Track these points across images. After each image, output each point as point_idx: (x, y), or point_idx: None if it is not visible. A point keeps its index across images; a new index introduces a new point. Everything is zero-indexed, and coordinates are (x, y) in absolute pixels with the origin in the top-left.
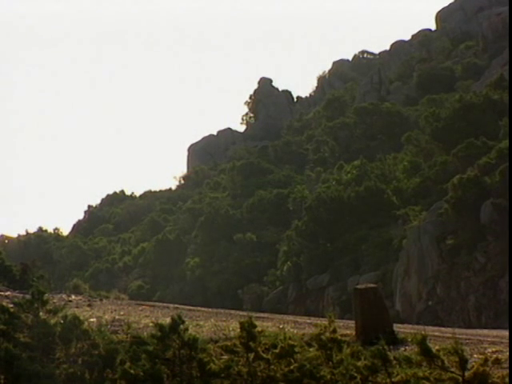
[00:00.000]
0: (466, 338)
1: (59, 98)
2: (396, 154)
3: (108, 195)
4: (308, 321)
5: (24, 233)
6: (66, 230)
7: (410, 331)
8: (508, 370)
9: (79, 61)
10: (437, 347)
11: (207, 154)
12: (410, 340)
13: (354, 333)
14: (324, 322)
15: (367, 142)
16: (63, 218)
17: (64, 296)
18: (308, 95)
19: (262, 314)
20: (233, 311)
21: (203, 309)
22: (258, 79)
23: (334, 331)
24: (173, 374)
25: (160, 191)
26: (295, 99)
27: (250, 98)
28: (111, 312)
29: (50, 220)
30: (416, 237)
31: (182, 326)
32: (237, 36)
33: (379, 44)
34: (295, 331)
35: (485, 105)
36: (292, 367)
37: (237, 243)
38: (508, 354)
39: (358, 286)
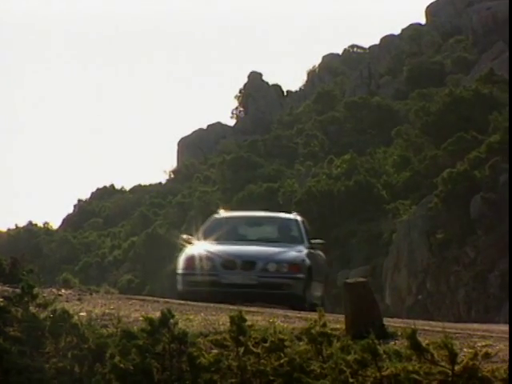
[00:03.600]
0: (455, 332)
1: (48, 91)
2: (386, 148)
3: (98, 189)
4: (298, 315)
5: (14, 227)
6: (55, 224)
7: (399, 325)
8: (498, 364)
9: (69, 54)
10: (426, 341)
11: (197, 147)
12: (399, 334)
13: (343, 327)
14: (314, 316)
15: (357, 136)
16: (53, 212)
17: (54, 290)
18: (298, 89)
19: (252, 309)
20: (223, 305)
21: (193, 303)
22: (247, 73)
23: (324, 325)
24: (163, 368)
25: (150, 185)
26: (285, 93)
27: (240, 91)
28: (101, 306)
29: (40, 214)
30: (406, 231)
31: (171, 320)
32: (226, 30)
33: (369, 38)
34: (285, 325)
35: (474, 99)
36: (282, 361)
37: None
38: (497, 348)
39: (348, 280)
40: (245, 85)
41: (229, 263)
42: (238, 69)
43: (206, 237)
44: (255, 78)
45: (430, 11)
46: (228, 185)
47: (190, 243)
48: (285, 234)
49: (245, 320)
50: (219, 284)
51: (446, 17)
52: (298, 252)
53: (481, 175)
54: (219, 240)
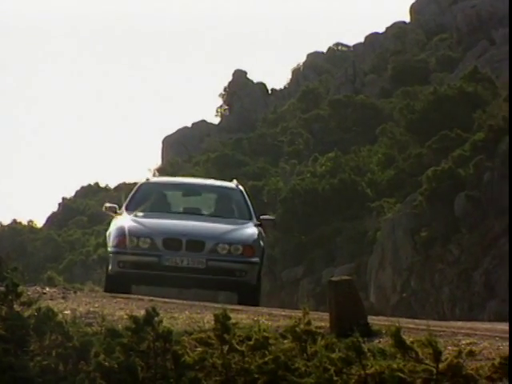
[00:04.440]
0: (440, 330)
1: (31, 89)
2: (370, 146)
3: (82, 187)
4: (283, 313)
5: None
6: (40, 222)
7: (384, 323)
8: (483, 362)
9: (52, 52)
10: (411, 339)
11: (181, 145)
12: (384, 332)
13: (328, 325)
14: (299, 314)
15: (342, 135)
16: (37, 210)
17: (38, 288)
18: (283, 87)
19: (236, 307)
20: (207, 303)
21: (178, 301)
22: (232, 71)
23: (309, 323)
24: (147, 366)
25: (135, 183)
26: (270, 91)
27: (225, 90)
28: (85, 304)
29: (24, 212)
30: (390, 229)
31: (156, 319)
32: (211, 28)
33: (354, 36)
34: (270, 323)
35: (459, 97)
36: (266, 359)
37: None
38: (482, 345)
39: (333, 278)
40: (229, 83)
41: (172, 242)
42: (222, 67)
43: (135, 207)
44: (240, 76)
45: (414, 9)
46: None
47: (116, 214)
48: (229, 208)
49: (229, 318)
50: (159, 266)
51: (431, 15)
52: (250, 230)
53: (465, 173)
54: (152, 212)
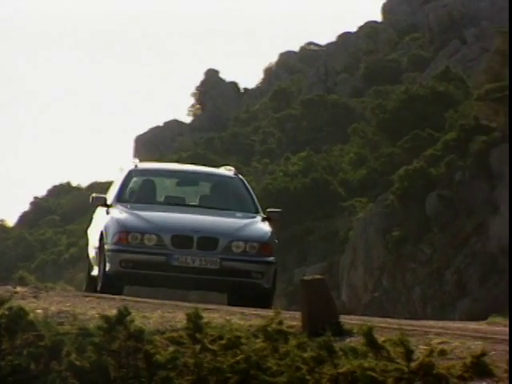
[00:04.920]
0: (411, 329)
1: (4, 87)
2: (342, 145)
3: (54, 186)
4: (255, 312)
5: None
6: (11, 222)
7: (356, 322)
8: (454, 361)
9: (20, 50)
10: (383, 338)
11: (154, 145)
12: (356, 331)
13: (300, 324)
14: (271, 313)
15: (314, 134)
16: (9, 210)
17: (10, 287)
18: (255, 87)
19: (209, 306)
20: (180, 302)
21: (150, 300)
22: (204, 70)
23: (281, 323)
24: (119, 365)
25: (107, 182)
26: (242, 90)
27: (197, 89)
28: (57, 304)
29: None
30: (362, 228)
31: (128, 318)
32: (183, 27)
33: (326, 36)
34: (242, 323)
35: (430, 97)
36: (238, 358)
37: None
38: (453, 345)
39: (305, 278)
40: (201, 82)
41: (182, 239)
42: (194, 66)
43: (129, 198)
44: (212, 75)
45: (385, 9)
46: None
47: (107, 206)
48: (232, 199)
49: (201, 317)
50: (168, 266)
51: (402, 14)
52: (264, 226)
53: (437, 173)
54: (150, 204)
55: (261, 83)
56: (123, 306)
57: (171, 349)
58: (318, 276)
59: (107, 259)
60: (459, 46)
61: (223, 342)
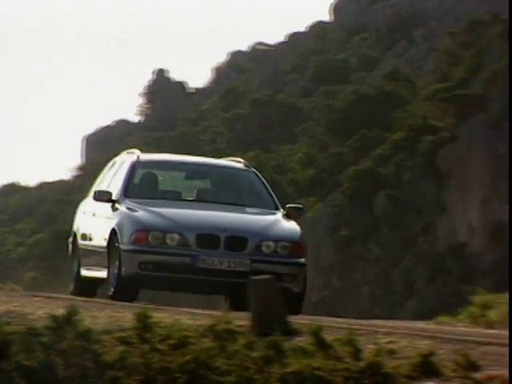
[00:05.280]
0: (360, 329)
1: None
2: (291, 145)
3: (3, 186)
4: (204, 312)
5: None
6: None
7: (305, 322)
8: (402, 361)
9: None
10: (331, 338)
11: (102, 144)
12: (304, 331)
13: (249, 324)
14: (220, 313)
15: (263, 134)
16: None
17: None
18: (204, 86)
19: (158, 306)
20: (128, 302)
21: (98, 300)
22: (153, 70)
23: (229, 322)
24: (67, 365)
25: (55, 182)
26: (191, 90)
27: (146, 88)
28: (5, 303)
29: None
30: (311, 228)
31: (76, 318)
32: (132, 26)
33: (275, 35)
34: (191, 322)
35: (379, 96)
36: (187, 358)
37: None
38: (402, 344)
39: (254, 278)
40: (150, 81)
41: (208, 239)
42: (143, 66)
43: (137, 193)
44: (161, 74)
45: (334, 9)
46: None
47: (112, 202)
48: (249, 194)
49: (150, 317)
50: (193, 269)
51: (351, 14)
52: (291, 223)
53: (385, 172)
54: (163, 199)
55: (210, 83)
56: (71, 306)
57: (120, 348)
58: (267, 276)
59: (122, 261)
60: (407, 46)
61: (172, 341)
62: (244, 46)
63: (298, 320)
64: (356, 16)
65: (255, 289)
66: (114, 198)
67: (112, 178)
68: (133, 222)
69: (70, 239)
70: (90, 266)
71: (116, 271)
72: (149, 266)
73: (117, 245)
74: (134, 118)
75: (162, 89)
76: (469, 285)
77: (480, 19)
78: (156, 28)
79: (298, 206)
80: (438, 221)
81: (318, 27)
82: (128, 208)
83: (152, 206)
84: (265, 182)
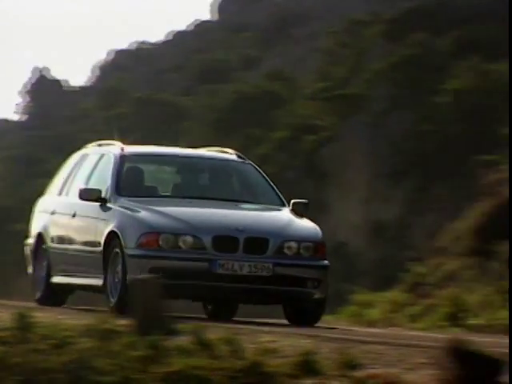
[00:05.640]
0: (242, 328)
1: None
2: (173, 144)
3: None
4: (88, 312)
5: None
6: None
7: (188, 322)
8: (283, 360)
9: None
10: (212, 337)
11: None
12: (186, 330)
13: (131, 324)
14: (101, 313)
15: (144, 133)
16: None
17: None
18: (84, 85)
19: (41, 306)
20: (7, 301)
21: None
22: (32, 68)
23: (111, 322)
24: None
25: None
26: (72, 89)
27: (25, 87)
28: None
29: None
30: None
31: None
32: (11, 23)
33: (156, 34)
34: (74, 322)
35: (260, 95)
36: (68, 358)
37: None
38: (283, 343)
39: (137, 277)
40: (30, 80)
41: (226, 241)
42: (22, 64)
43: (130, 191)
44: (39, 73)
45: (216, 7)
46: (14, 180)
47: (102, 201)
48: (252, 189)
49: (30, 317)
50: (210, 275)
51: (233, 13)
52: (305, 221)
53: (269, 171)
54: (162, 198)
55: (91, 81)
56: None
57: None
58: (149, 275)
59: (128, 267)
60: (289, 45)
61: (52, 341)
62: (126, 45)
63: (184, 320)
64: (237, 15)
65: (137, 289)
66: (102, 196)
67: (90, 173)
68: (139, 224)
69: (31, 241)
70: (67, 272)
71: (118, 279)
72: (161, 272)
73: (117, 250)
74: (14, 116)
75: (41, 87)
76: (349, 284)
77: (360, 19)
78: (36, 26)
79: (303, 201)
80: (319, 220)
81: (199, 26)
82: (126, 208)
83: (155, 205)
84: (265, 175)
